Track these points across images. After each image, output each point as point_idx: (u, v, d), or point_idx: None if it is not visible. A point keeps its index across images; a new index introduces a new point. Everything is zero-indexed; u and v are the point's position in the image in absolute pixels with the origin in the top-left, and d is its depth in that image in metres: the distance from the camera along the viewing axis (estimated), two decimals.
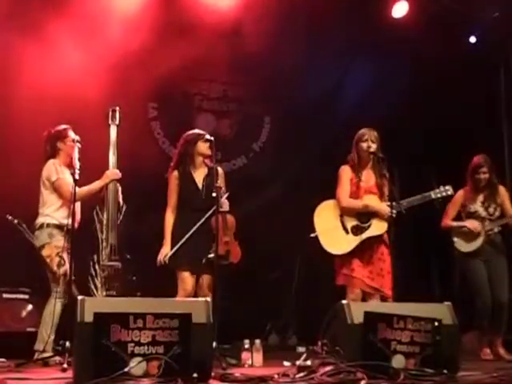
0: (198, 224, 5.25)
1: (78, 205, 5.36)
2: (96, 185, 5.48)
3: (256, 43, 7.23)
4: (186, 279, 5.33)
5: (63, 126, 5.57)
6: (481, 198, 6.11)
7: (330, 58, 7.84)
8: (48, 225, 5.39)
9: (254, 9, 7.25)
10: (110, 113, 5.61)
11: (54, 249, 5.32)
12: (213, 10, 7.29)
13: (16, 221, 5.50)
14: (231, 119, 8.25)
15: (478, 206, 6.09)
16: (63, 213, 5.40)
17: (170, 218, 5.49)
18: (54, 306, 5.20)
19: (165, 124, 7.88)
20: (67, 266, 5.25)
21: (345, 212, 5.40)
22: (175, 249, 5.32)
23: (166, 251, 5.37)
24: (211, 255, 5.16)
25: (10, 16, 6.51)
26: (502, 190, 6.15)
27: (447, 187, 5.37)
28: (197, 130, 5.64)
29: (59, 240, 5.35)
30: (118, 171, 5.53)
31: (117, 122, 5.60)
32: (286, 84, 7.67)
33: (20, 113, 6.46)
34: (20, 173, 6.04)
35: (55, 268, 5.27)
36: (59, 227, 5.38)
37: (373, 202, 5.35)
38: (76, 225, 5.23)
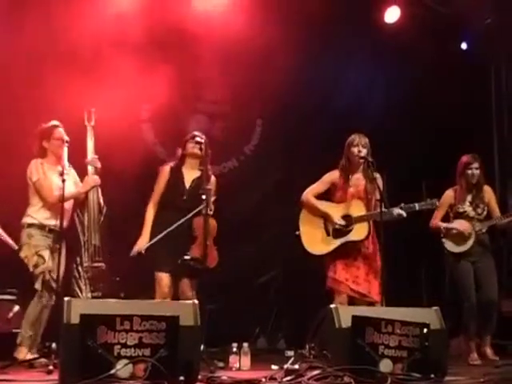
0: (180, 222, 5.18)
1: (70, 205, 5.36)
2: (78, 191, 5.43)
3: (250, 46, 7.23)
4: (162, 281, 5.30)
5: (51, 123, 5.47)
6: (469, 198, 6.11)
7: (323, 62, 7.83)
8: (29, 225, 5.32)
9: (248, 12, 7.25)
10: (86, 114, 5.60)
11: (32, 249, 5.25)
12: (207, 12, 7.28)
13: None
14: (223, 122, 8.22)
15: (466, 206, 6.08)
16: (45, 213, 5.34)
17: (150, 212, 5.48)
18: (37, 307, 5.19)
19: (157, 126, 7.85)
20: (48, 264, 5.20)
21: (305, 206, 5.44)
22: (153, 241, 5.24)
23: (142, 242, 5.34)
24: (187, 256, 5.14)
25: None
26: (487, 189, 6.15)
27: (433, 200, 5.37)
28: (194, 132, 5.66)
29: (39, 239, 5.28)
30: (97, 178, 5.49)
31: (92, 122, 5.59)
32: (279, 87, 7.65)
33: (7, 111, 6.41)
34: (6, 173, 5.98)
35: (31, 268, 5.21)
36: (40, 227, 5.30)
37: (356, 208, 5.35)
38: (65, 223, 5.22)
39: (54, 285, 5.19)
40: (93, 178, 5.47)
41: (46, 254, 5.27)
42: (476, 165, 6.05)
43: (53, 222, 5.29)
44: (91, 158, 5.52)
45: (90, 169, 5.50)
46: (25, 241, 5.30)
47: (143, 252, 5.28)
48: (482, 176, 6.08)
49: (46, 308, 5.23)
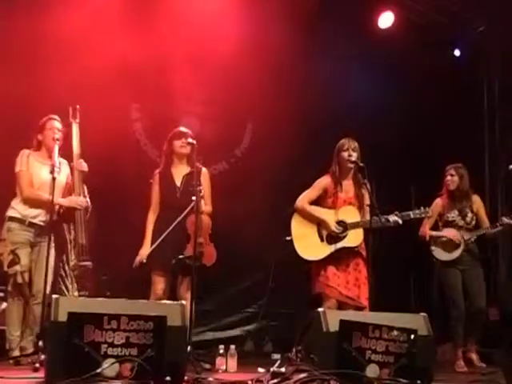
0: (174, 224, 5.20)
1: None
2: (58, 201, 5.25)
3: (241, 48, 7.23)
4: (157, 283, 5.33)
5: (48, 116, 5.42)
6: (457, 206, 6.16)
7: (315, 65, 7.85)
8: (10, 218, 5.19)
9: (239, 14, 7.27)
10: (71, 110, 5.53)
11: (8, 245, 5.11)
12: (201, 14, 7.28)
13: None
14: (214, 124, 8.20)
15: (455, 215, 6.13)
16: (26, 204, 5.20)
17: (150, 219, 5.50)
18: (13, 307, 5.15)
19: (147, 126, 7.83)
20: (22, 264, 5.10)
21: (300, 213, 5.42)
22: (150, 249, 5.30)
23: (144, 252, 5.37)
24: (182, 256, 5.15)
25: None
26: (476, 199, 6.22)
27: (427, 209, 5.42)
28: (179, 128, 5.64)
29: (17, 235, 5.15)
30: (83, 199, 5.32)
31: (77, 119, 5.53)
32: (270, 89, 7.66)
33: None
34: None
35: (5, 268, 5.08)
36: (20, 221, 5.17)
37: (350, 214, 5.35)
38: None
39: (25, 288, 5.09)
40: (79, 201, 5.30)
41: (23, 252, 5.13)
42: (452, 171, 6.19)
43: (33, 214, 5.18)
44: (77, 163, 5.38)
45: (77, 174, 5.38)
46: (3, 236, 5.17)
47: (145, 261, 5.30)
48: (464, 183, 6.15)
49: (37, 305, 5.09)
